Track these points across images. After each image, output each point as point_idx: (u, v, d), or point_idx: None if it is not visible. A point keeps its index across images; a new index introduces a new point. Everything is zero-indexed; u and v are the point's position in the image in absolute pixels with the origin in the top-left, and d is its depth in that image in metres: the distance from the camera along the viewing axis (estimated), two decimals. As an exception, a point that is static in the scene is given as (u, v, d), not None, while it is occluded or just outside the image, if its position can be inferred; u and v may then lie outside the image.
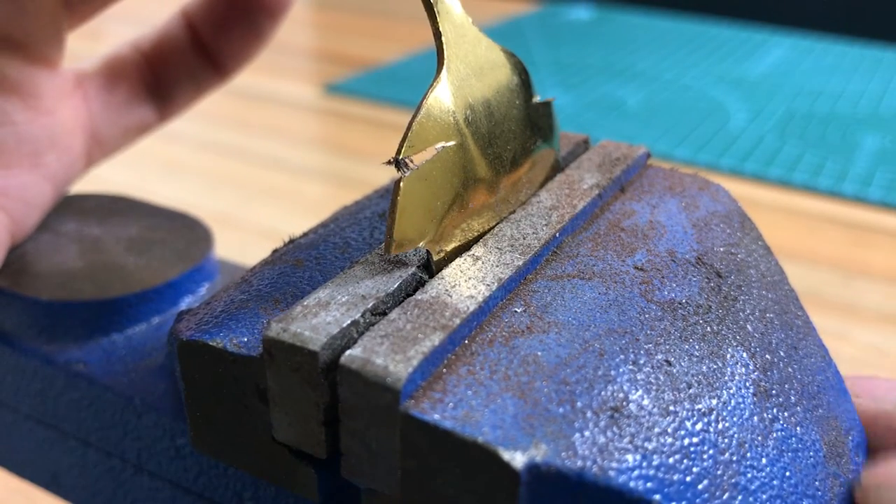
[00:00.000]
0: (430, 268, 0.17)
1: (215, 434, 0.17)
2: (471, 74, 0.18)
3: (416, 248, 0.16)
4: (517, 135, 0.19)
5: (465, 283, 0.16)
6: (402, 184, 0.16)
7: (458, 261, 0.17)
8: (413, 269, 0.16)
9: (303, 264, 0.18)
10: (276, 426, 0.15)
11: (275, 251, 0.19)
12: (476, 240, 0.18)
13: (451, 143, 0.17)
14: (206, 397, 0.17)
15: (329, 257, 0.18)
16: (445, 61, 0.17)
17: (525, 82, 0.19)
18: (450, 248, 0.17)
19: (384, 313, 0.15)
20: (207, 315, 0.17)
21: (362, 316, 0.15)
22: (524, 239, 0.18)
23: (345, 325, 0.15)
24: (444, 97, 0.17)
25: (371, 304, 0.15)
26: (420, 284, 0.16)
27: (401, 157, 0.16)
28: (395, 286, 0.16)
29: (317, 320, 0.15)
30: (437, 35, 0.17)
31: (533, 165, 0.20)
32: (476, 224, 0.18)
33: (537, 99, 0.20)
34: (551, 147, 0.20)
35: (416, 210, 0.16)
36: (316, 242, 0.19)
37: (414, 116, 0.16)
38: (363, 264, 0.17)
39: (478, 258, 0.17)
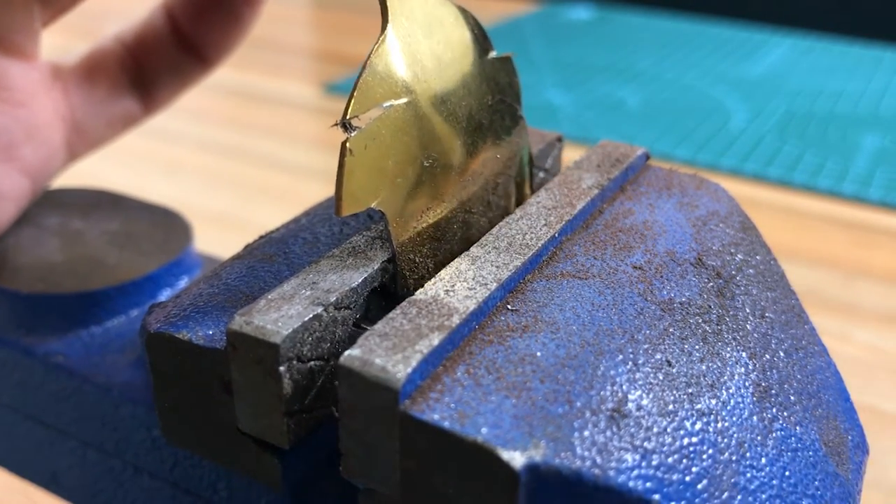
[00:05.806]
0: (391, 242, 0.17)
1: (184, 425, 0.17)
2: (418, 31, 0.17)
3: (370, 207, 0.16)
4: (472, 90, 0.19)
5: (464, 283, 0.16)
6: (348, 144, 0.16)
7: (456, 261, 0.17)
8: (378, 263, 0.17)
9: (272, 259, 0.18)
10: (240, 417, 0.16)
11: (246, 246, 0.19)
12: (448, 216, 0.18)
13: (401, 101, 0.17)
14: (173, 389, 0.17)
15: (298, 252, 0.19)
16: (390, 18, 0.17)
17: (479, 37, 0.19)
18: (420, 226, 0.17)
19: (348, 308, 0.16)
20: (176, 308, 0.17)
21: (325, 310, 0.15)
22: (523, 238, 0.18)
23: (307, 318, 0.15)
24: (389, 55, 0.17)
25: (335, 299, 0.16)
26: (385, 277, 0.17)
27: (347, 117, 0.16)
28: (360, 281, 0.16)
29: (279, 314, 0.15)
30: None
31: (498, 133, 0.19)
32: (443, 194, 0.18)
33: (494, 54, 0.20)
34: (516, 107, 0.20)
35: (365, 170, 0.16)
36: (286, 237, 0.19)
37: (359, 76, 0.16)
38: (329, 259, 0.17)
39: (476, 258, 0.17)
